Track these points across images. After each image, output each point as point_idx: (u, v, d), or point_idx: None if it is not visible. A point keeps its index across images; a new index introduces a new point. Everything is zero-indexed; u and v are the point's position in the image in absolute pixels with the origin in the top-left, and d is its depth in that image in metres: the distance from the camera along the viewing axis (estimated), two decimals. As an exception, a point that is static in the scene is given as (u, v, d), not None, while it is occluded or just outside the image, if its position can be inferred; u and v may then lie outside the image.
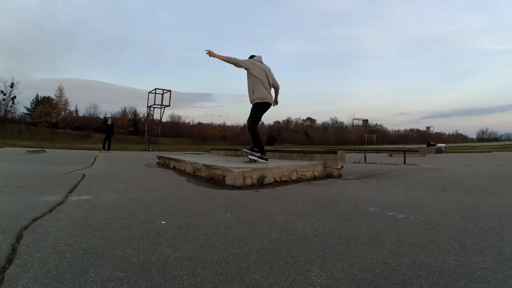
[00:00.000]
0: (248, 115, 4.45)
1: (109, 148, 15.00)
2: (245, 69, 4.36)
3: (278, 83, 4.70)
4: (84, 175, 4.21)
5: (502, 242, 1.42)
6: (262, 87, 4.32)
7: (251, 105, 4.42)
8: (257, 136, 4.41)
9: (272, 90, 4.63)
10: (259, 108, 4.37)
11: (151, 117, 24.39)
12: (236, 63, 4.31)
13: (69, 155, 10.60)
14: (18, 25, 76.94)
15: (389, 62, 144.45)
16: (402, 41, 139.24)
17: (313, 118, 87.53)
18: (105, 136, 15.28)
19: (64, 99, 55.52)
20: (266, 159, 4.32)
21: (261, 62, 4.50)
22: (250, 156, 4.37)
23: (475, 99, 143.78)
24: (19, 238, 1.45)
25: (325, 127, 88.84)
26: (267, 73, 4.44)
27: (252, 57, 4.54)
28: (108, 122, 16.13)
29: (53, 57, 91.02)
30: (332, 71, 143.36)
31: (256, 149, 4.38)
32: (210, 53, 4.24)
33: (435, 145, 22.38)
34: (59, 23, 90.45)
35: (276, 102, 4.81)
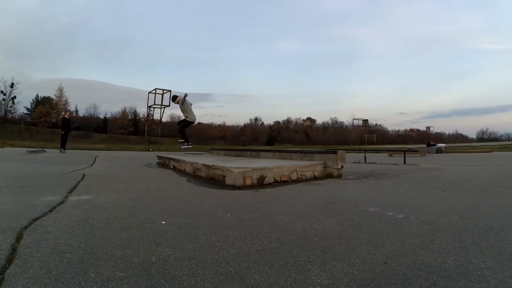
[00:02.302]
0: (181, 120, 7.72)
1: (63, 147, 12.11)
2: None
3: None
4: (84, 175, 4.21)
5: (502, 242, 1.42)
6: (192, 112, 7.56)
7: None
8: (184, 134, 7.64)
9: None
10: (188, 123, 7.58)
11: (151, 117, 24.40)
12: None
13: (69, 155, 10.59)
14: (18, 25, 76.86)
15: (389, 62, 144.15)
16: (402, 41, 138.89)
17: (313, 118, 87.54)
18: (63, 133, 12.30)
19: (64, 99, 55.46)
20: (191, 145, 7.75)
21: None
22: (183, 146, 7.55)
23: (475, 99, 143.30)
24: (19, 238, 1.45)
25: (325, 127, 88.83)
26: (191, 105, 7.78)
27: (175, 96, 7.59)
28: (65, 116, 13.15)
29: (53, 57, 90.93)
30: (332, 71, 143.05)
31: (186, 141, 7.60)
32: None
33: (435, 145, 22.35)
34: (59, 23, 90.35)
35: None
